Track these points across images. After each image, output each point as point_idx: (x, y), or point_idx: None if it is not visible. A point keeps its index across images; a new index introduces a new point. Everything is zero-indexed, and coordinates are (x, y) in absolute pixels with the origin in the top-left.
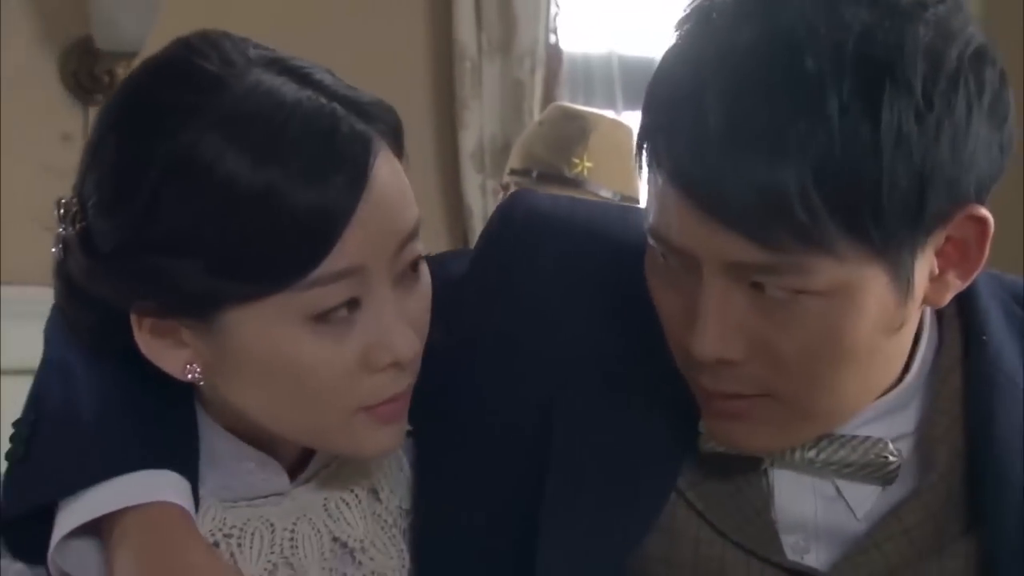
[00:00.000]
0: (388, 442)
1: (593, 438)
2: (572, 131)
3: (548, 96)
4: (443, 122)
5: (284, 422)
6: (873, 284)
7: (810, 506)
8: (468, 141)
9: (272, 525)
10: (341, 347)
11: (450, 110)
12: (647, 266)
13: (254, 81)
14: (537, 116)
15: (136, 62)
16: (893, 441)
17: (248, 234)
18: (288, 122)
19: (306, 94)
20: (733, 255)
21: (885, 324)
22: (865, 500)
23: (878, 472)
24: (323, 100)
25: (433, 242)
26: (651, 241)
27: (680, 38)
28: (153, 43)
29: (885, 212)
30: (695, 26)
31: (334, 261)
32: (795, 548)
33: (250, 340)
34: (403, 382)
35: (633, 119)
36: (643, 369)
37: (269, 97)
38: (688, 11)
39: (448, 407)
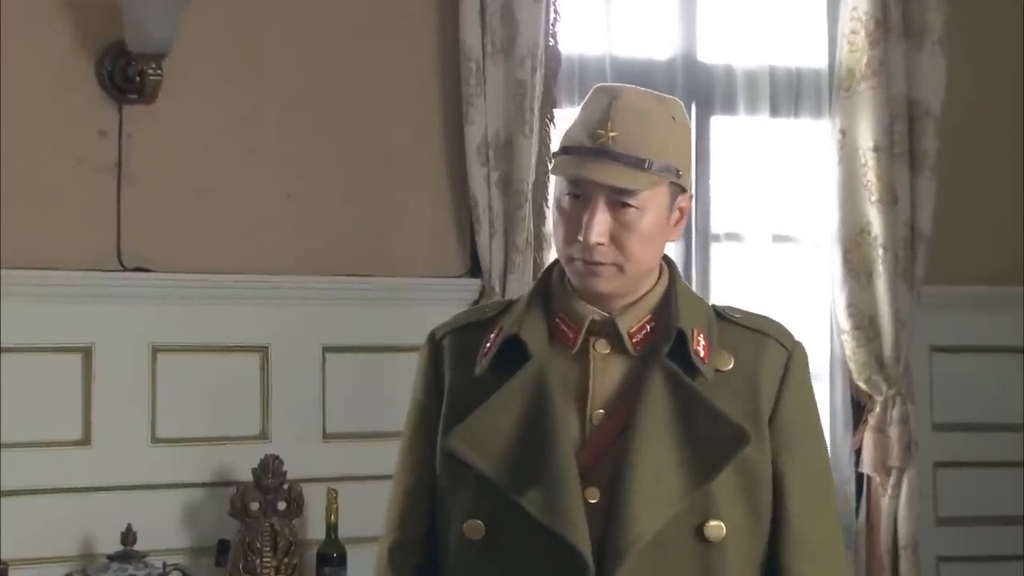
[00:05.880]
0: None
1: None
2: (600, 104)
3: (547, 95)
4: (450, 119)
5: None
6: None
7: None
8: (474, 136)
9: None
10: None
11: (457, 108)
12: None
13: None
14: (537, 113)
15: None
16: None
17: None
18: None
19: None
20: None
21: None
22: None
23: None
24: None
25: (441, 229)
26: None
27: None
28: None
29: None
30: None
31: None
32: None
33: None
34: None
35: None
36: None
37: None
38: None
39: None
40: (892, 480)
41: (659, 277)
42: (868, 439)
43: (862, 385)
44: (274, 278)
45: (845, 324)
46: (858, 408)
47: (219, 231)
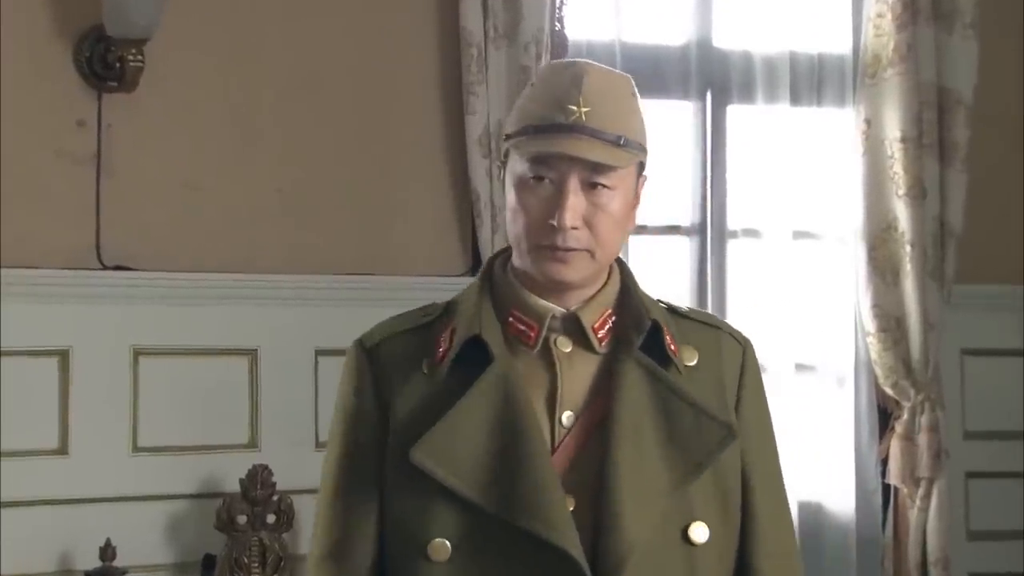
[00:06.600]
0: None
1: None
2: (565, 80)
3: None
4: (451, 108)
5: None
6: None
7: None
8: (475, 127)
9: None
10: None
11: (457, 96)
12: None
13: None
14: None
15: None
16: None
17: None
18: None
19: None
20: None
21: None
22: None
23: None
24: None
25: (442, 225)
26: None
27: None
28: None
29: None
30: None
31: None
32: None
33: None
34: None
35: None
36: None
37: None
38: None
39: None
40: (921, 491)
41: (610, 273)
42: (895, 448)
43: (888, 390)
44: (264, 277)
45: (870, 326)
46: (884, 415)
47: (206, 227)
